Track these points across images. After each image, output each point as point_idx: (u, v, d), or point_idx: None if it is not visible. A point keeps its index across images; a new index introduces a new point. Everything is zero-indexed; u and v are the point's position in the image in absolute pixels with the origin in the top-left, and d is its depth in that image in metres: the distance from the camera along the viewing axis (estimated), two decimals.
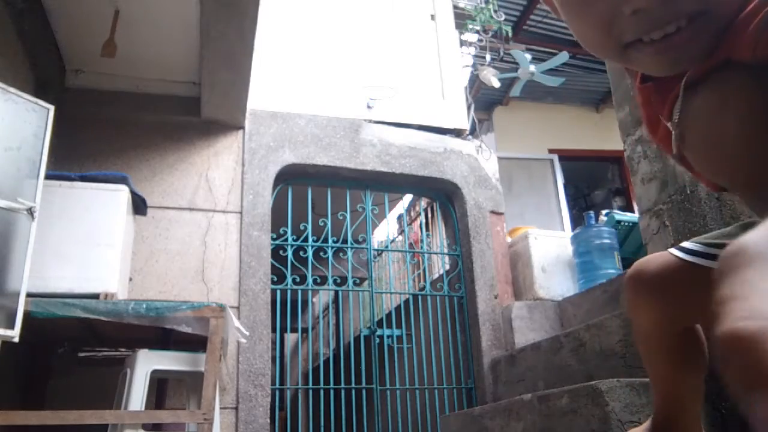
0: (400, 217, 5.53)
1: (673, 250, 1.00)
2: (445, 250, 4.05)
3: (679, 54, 0.62)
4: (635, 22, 0.61)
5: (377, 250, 4.46)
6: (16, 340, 1.91)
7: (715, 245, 0.94)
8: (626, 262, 3.70)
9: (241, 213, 3.35)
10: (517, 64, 5.26)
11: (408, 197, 4.97)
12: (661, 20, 0.60)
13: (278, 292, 3.42)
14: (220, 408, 2.71)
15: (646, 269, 1.04)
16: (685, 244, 0.98)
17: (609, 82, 2.37)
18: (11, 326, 1.90)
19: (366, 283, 4.20)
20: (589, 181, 7.27)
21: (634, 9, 0.60)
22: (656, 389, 1.18)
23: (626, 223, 4.14)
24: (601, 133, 6.55)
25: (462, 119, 4.23)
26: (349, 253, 3.75)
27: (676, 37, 0.61)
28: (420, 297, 4.07)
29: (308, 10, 4.13)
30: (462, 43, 4.93)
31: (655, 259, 1.04)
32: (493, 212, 3.96)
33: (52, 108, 2.15)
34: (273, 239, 3.43)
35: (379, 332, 3.84)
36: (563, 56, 4.91)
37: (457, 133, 4.18)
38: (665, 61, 0.64)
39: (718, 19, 0.60)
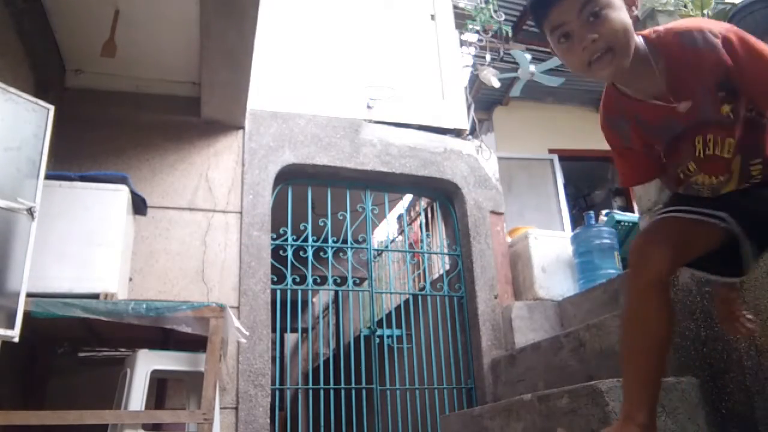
0: (400, 217, 5.53)
1: (667, 214, 1.42)
2: (445, 250, 4.05)
3: (604, 69, 1.28)
4: (585, 53, 1.27)
5: (377, 250, 4.46)
6: (16, 340, 1.91)
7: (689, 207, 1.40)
8: (626, 263, 3.70)
9: (241, 213, 3.35)
10: (517, 64, 5.26)
11: (408, 197, 4.97)
12: (594, 52, 1.26)
13: (278, 292, 3.42)
14: (220, 408, 2.71)
15: (654, 228, 1.43)
16: (670, 209, 1.43)
17: None
18: (11, 326, 1.90)
19: (366, 283, 4.20)
20: (589, 181, 7.26)
21: (583, 47, 1.27)
22: (641, 358, 1.37)
23: (626, 223, 4.14)
24: (601, 133, 6.54)
25: (462, 119, 4.23)
26: (349, 253, 3.75)
27: (600, 60, 1.27)
28: (420, 297, 4.07)
29: (308, 10, 4.13)
30: (462, 43, 4.93)
31: (655, 226, 1.43)
32: (493, 212, 3.96)
33: (52, 108, 2.15)
34: (273, 239, 3.43)
35: (379, 332, 3.84)
36: None
37: (457, 133, 4.18)
38: (598, 72, 1.29)
39: (621, 54, 1.26)
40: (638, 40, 1.30)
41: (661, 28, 1.33)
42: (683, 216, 1.38)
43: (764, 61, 1.23)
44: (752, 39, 1.25)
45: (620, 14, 1.25)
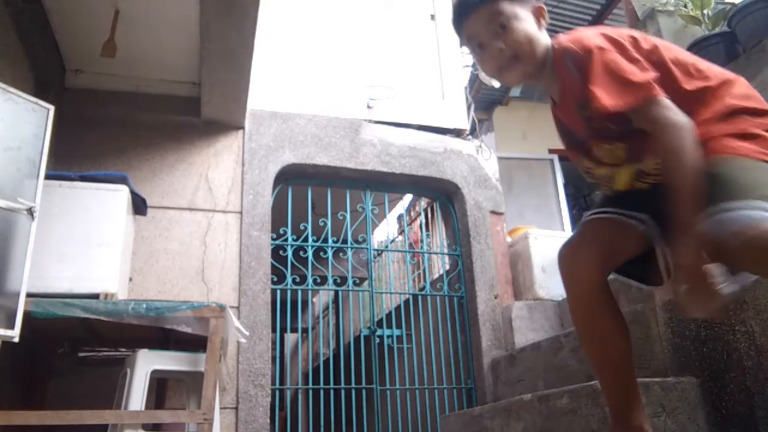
0: (400, 217, 5.54)
1: (591, 217, 1.44)
2: (445, 250, 4.05)
3: (511, 75, 1.40)
4: (495, 61, 1.38)
5: (377, 250, 4.46)
6: (16, 340, 1.91)
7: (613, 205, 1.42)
8: None
9: (241, 213, 3.35)
10: None
11: (408, 197, 4.97)
12: (502, 60, 1.36)
13: (278, 292, 3.42)
14: (220, 408, 2.71)
15: (578, 235, 1.45)
16: (594, 211, 1.45)
17: None
18: (11, 326, 1.90)
19: (366, 283, 4.20)
20: (589, 181, 7.26)
21: (492, 56, 1.37)
22: (602, 372, 1.40)
23: None
24: None
25: (462, 119, 4.23)
26: (349, 253, 3.75)
27: (507, 67, 1.37)
28: (420, 297, 4.07)
29: (308, 10, 4.13)
30: (462, 43, 4.93)
31: (579, 232, 1.46)
32: (493, 212, 3.96)
33: (52, 108, 2.15)
34: (273, 239, 3.43)
35: (379, 332, 3.84)
36: None
37: (457, 133, 4.18)
38: (506, 78, 1.43)
39: (525, 61, 1.35)
40: (549, 46, 1.38)
41: (563, 37, 1.37)
42: (608, 217, 1.40)
43: (598, 88, 1.22)
44: (599, 65, 1.23)
45: (525, 25, 1.35)
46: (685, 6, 3.40)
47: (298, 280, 3.48)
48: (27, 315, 2.00)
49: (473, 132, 4.27)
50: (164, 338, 2.59)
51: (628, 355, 1.37)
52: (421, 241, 4.39)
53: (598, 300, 1.35)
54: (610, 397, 1.39)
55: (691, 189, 1.14)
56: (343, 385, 3.80)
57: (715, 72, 1.32)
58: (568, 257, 1.41)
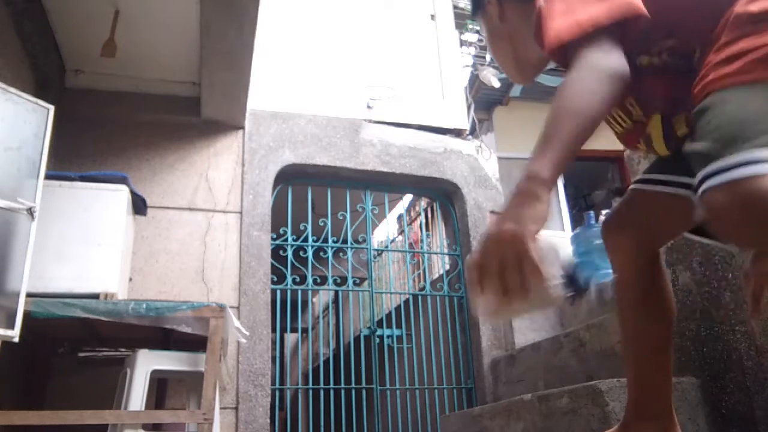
0: (400, 217, 5.54)
1: (636, 186, 1.23)
2: (445, 250, 4.05)
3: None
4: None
5: (377, 250, 4.46)
6: (16, 340, 1.91)
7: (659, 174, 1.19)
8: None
9: (241, 213, 3.35)
10: None
11: (408, 197, 4.97)
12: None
13: (278, 292, 3.42)
14: (220, 408, 2.71)
15: (619, 209, 1.26)
16: (640, 177, 1.23)
17: None
18: (11, 326, 1.90)
19: (366, 283, 4.20)
20: (589, 181, 7.26)
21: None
22: (628, 360, 1.30)
23: None
24: (600, 133, 6.53)
25: (462, 119, 4.23)
26: (349, 253, 3.75)
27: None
28: (420, 297, 4.07)
29: (308, 10, 4.13)
30: (462, 43, 4.93)
31: (620, 206, 1.26)
32: (493, 212, 3.96)
33: (52, 108, 2.15)
34: (273, 239, 3.43)
35: (379, 332, 3.84)
36: None
37: (457, 133, 4.18)
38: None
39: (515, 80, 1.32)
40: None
41: None
42: (650, 189, 1.19)
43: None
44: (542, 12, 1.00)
45: (495, 49, 1.28)
46: None
47: (298, 280, 3.48)
48: (27, 315, 2.00)
49: (473, 132, 4.27)
50: (164, 338, 2.59)
51: (666, 344, 1.25)
52: (421, 241, 4.39)
53: (634, 289, 1.22)
54: (636, 389, 1.29)
55: (561, 135, 0.89)
56: (343, 385, 3.79)
57: None
58: (607, 238, 1.25)
